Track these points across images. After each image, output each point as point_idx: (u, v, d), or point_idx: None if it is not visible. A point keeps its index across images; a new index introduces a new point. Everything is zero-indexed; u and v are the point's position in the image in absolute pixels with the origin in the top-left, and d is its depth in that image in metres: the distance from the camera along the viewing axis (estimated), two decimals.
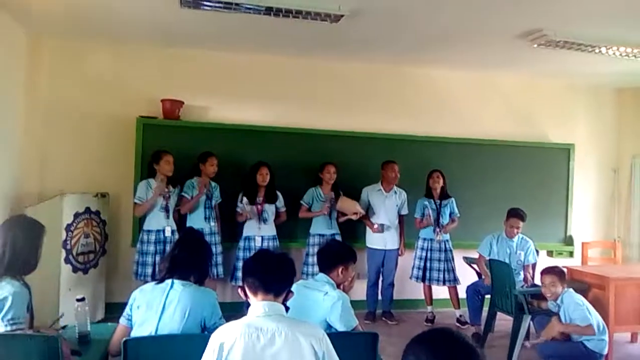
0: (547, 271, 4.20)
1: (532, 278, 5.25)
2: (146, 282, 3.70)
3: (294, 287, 2.22)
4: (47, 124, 5.40)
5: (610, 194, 7.06)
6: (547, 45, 4.90)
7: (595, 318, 4.01)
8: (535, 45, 4.94)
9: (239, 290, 2.15)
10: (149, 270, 4.85)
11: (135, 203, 5.00)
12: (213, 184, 5.27)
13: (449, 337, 1.39)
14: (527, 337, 4.60)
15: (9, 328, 2.36)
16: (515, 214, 5.15)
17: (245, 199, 5.21)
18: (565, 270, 4.33)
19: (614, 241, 6.79)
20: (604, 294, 4.47)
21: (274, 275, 2.07)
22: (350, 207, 5.49)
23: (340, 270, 2.89)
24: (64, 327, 2.73)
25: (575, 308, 3.99)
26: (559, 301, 4.08)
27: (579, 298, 4.09)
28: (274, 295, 2.05)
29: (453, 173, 5.87)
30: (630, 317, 4.52)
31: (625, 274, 4.87)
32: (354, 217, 5.50)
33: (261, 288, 2.04)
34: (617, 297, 4.45)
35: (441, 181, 5.66)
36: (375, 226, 5.59)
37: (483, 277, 5.26)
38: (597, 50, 5.04)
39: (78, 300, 2.68)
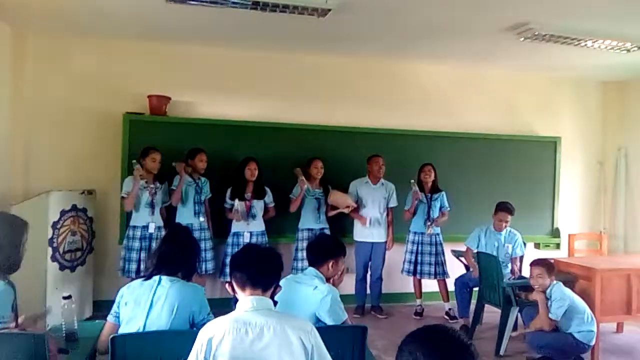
0: (536, 263, 4.25)
1: (520, 270, 5.31)
2: (131, 278, 3.67)
3: (283, 282, 2.22)
4: (33, 121, 5.34)
5: (596, 187, 7.13)
6: (534, 38, 4.92)
7: (584, 309, 4.06)
8: (522, 39, 4.97)
9: (227, 285, 2.15)
10: (134, 267, 4.83)
11: (122, 197, 4.96)
12: (203, 179, 5.24)
13: (443, 335, 1.40)
14: (515, 328, 4.64)
15: None
16: (504, 208, 5.18)
17: (238, 202, 5.17)
18: (553, 262, 4.37)
19: (599, 233, 6.85)
20: (590, 285, 4.51)
21: (261, 270, 2.07)
22: (342, 201, 5.50)
23: (330, 264, 2.89)
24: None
25: (558, 302, 4.03)
26: (547, 293, 4.12)
27: (567, 292, 4.12)
28: (262, 289, 2.04)
29: (441, 167, 5.87)
30: (616, 307, 4.57)
31: (611, 265, 4.92)
32: (346, 211, 5.52)
33: (249, 283, 2.03)
34: (603, 288, 4.50)
35: (432, 174, 5.67)
36: (367, 220, 5.59)
37: (471, 269, 5.29)
38: (582, 44, 5.08)
39: (65, 298, 2.66)
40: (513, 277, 5.04)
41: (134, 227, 4.94)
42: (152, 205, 4.95)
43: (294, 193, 5.50)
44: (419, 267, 5.64)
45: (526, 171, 6.59)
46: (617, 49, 5.21)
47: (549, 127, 6.83)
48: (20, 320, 2.54)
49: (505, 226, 5.19)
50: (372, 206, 5.65)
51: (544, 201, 6.67)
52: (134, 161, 4.88)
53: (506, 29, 4.83)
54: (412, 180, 5.58)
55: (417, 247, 5.65)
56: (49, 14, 4.72)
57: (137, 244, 4.89)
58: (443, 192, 5.74)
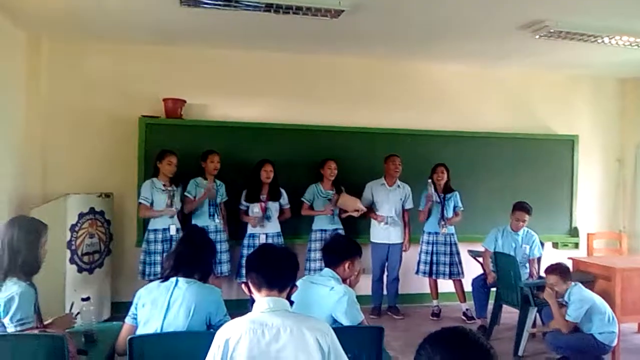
0: (549, 271, 4.16)
1: (538, 272, 5.24)
2: (150, 281, 3.70)
3: (299, 282, 2.21)
4: (49, 125, 5.41)
5: (615, 185, 7.03)
6: (549, 36, 4.87)
7: (605, 309, 3.99)
8: (537, 37, 4.92)
9: (243, 286, 2.15)
10: (158, 269, 4.81)
11: (139, 203, 4.99)
12: (218, 182, 5.27)
13: (463, 338, 1.38)
14: (533, 327, 4.60)
15: (18, 328, 2.37)
16: (521, 207, 5.13)
17: (255, 209, 5.19)
18: (567, 266, 4.25)
19: (619, 232, 6.77)
20: (610, 285, 4.45)
21: (277, 270, 2.06)
22: (350, 204, 5.47)
23: (346, 265, 2.89)
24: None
25: (576, 304, 3.96)
26: (566, 297, 4.05)
27: (586, 294, 4.05)
28: (278, 290, 2.04)
29: (456, 166, 5.85)
30: (637, 307, 4.50)
31: (631, 264, 4.85)
32: (355, 214, 5.49)
33: (265, 284, 2.03)
34: (624, 288, 4.44)
35: (445, 175, 5.64)
36: (382, 217, 5.58)
37: (487, 275, 5.23)
38: (599, 41, 5.01)
39: (83, 299, 2.70)
40: (532, 279, 4.98)
41: (155, 230, 4.94)
42: (170, 207, 4.98)
43: (306, 197, 5.51)
44: (434, 268, 5.61)
45: (544, 170, 6.52)
46: (635, 45, 5.12)
47: (566, 125, 6.75)
48: (50, 321, 2.58)
49: (522, 226, 5.13)
50: (388, 208, 5.63)
51: (562, 200, 6.60)
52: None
53: (521, 27, 4.79)
54: (430, 181, 5.55)
55: (432, 247, 5.62)
56: (63, 19, 4.78)
57: (159, 247, 4.89)
58: (456, 192, 5.70)
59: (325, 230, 5.44)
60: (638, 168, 6.88)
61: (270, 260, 2.10)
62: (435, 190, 5.63)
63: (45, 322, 2.63)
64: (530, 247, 5.14)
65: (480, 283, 5.27)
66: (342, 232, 5.45)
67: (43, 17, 4.75)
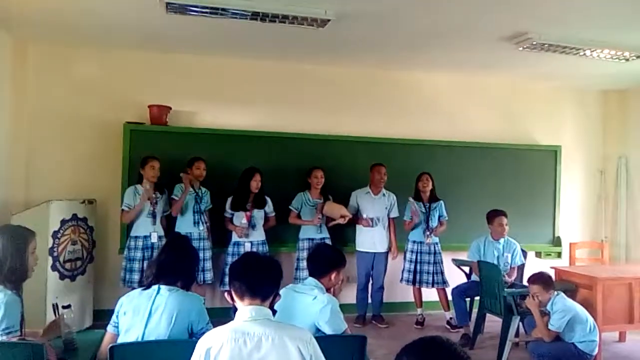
0: (532, 280, 4.17)
1: (520, 279, 5.28)
2: (133, 288, 3.67)
3: (282, 291, 2.21)
4: (34, 131, 5.36)
5: (597, 195, 7.13)
6: (532, 48, 4.94)
7: (586, 319, 4.03)
8: (521, 49, 4.98)
9: (226, 294, 2.14)
10: (136, 277, 4.82)
11: (122, 210, 4.97)
12: (203, 189, 5.26)
13: (439, 348, 1.39)
14: (516, 337, 4.62)
15: (4, 337, 2.33)
16: (499, 213, 5.20)
17: (244, 219, 5.18)
18: (550, 275, 4.26)
19: (601, 242, 6.84)
20: (592, 294, 4.50)
21: (260, 279, 2.06)
22: (336, 211, 5.48)
23: (333, 275, 2.89)
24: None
25: (559, 314, 3.99)
26: (548, 306, 4.08)
27: (569, 303, 4.07)
28: (260, 299, 2.04)
29: (441, 175, 5.89)
30: (618, 316, 4.56)
31: (613, 274, 4.91)
32: (342, 221, 5.49)
33: (248, 292, 2.03)
34: (605, 297, 4.49)
35: (430, 184, 5.67)
36: (365, 218, 5.58)
37: (474, 278, 5.27)
38: (581, 53, 5.10)
39: (64, 307, 2.65)
40: (507, 284, 5.01)
41: (136, 237, 4.94)
42: (153, 214, 4.96)
43: (294, 205, 5.51)
44: (418, 276, 5.63)
45: (527, 180, 6.59)
46: (617, 58, 5.22)
47: (549, 136, 6.84)
48: (42, 331, 2.54)
49: (506, 230, 5.16)
50: (373, 216, 5.64)
51: (545, 210, 6.67)
52: (144, 182, 4.96)
53: (505, 39, 4.85)
54: (411, 199, 5.59)
55: (416, 256, 5.64)
56: (50, 23, 4.75)
57: (139, 254, 4.89)
58: (441, 202, 5.73)
59: (313, 239, 5.43)
60: (620, 179, 6.98)
61: (253, 269, 2.09)
62: (421, 199, 5.66)
63: (33, 330, 2.59)
64: (511, 256, 5.18)
65: (459, 291, 5.29)
66: (329, 241, 5.45)
67: (29, 22, 4.72)
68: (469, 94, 6.57)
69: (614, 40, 4.82)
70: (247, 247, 5.19)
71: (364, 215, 5.61)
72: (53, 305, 2.72)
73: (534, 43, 4.78)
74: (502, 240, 5.20)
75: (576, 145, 6.99)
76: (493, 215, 5.21)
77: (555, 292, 4.12)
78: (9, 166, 5.08)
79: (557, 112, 6.97)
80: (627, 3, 3.98)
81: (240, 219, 5.20)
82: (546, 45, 4.86)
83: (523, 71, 6.13)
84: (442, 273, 5.63)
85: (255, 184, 5.23)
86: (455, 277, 5.65)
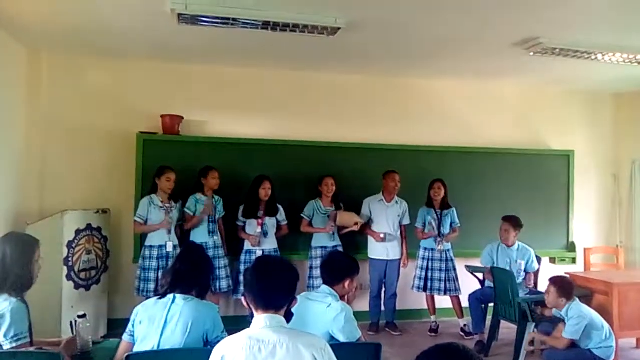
0: (552, 281, 4.17)
1: (535, 286, 5.24)
2: (148, 297, 3.69)
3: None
4: (48, 141, 5.42)
5: (611, 200, 7.06)
6: (544, 53, 4.92)
7: (602, 325, 3.98)
8: (532, 54, 4.97)
9: (243, 299, 2.12)
10: (152, 286, 4.83)
11: (135, 221, 5.00)
12: (216, 197, 5.28)
13: (457, 353, 1.38)
14: (531, 344, 4.58)
15: (14, 345, 2.35)
16: (506, 218, 5.20)
17: (258, 229, 5.20)
18: (570, 282, 4.23)
19: (616, 247, 6.77)
20: (608, 300, 4.46)
21: (272, 292, 2.02)
22: (349, 220, 5.49)
23: (347, 283, 2.89)
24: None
25: (574, 320, 3.95)
26: (563, 312, 4.04)
27: (585, 310, 4.04)
28: (274, 310, 2.02)
29: (453, 182, 5.87)
30: (635, 322, 4.51)
31: (629, 279, 4.87)
32: (355, 228, 5.50)
33: (260, 304, 2.01)
34: (621, 303, 4.44)
35: (442, 191, 5.65)
36: (381, 235, 5.58)
37: (488, 284, 5.24)
38: (593, 57, 5.06)
39: (79, 317, 2.67)
40: (527, 290, 4.98)
41: (150, 246, 4.96)
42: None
43: (305, 213, 5.51)
44: (429, 283, 5.60)
45: (540, 185, 6.55)
46: (629, 61, 5.18)
47: (562, 141, 6.79)
48: (61, 346, 2.55)
49: (510, 237, 5.15)
50: (385, 224, 5.64)
51: (559, 215, 6.61)
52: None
53: (516, 44, 4.84)
54: (427, 218, 5.61)
55: (428, 263, 5.62)
56: (63, 34, 4.82)
57: (154, 264, 4.91)
58: (453, 209, 5.71)
59: (325, 247, 5.43)
60: (634, 183, 6.91)
61: (264, 281, 2.04)
62: (433, 206, 5.65)
63: (50, 340, 2.61)
64: (526, 263, 5.14)
65: (476, 298, 5.26)
66: (341, 248, 5.44)
67: (43, 33, 4.79)
68: (481, 100, 6.55)
69: (626, 43, 4.79)
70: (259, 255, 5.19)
71: (381, 235, 5.59)
72: (71, 322, 2.74)
73: (545, 48, 4.76)
74: (515, 247, 5.17)
75: (589, 149, 6.93)
76: (503, 219, 5.22)
77: (573, 299, 4.08)
78: (23, 176, 5.14)
79: (569, 117, 6.92)
80: (638, 6, 3.96)
81: (254, 227, 5.21)
82: (557, 50, 4.83)
83: (534, 76, 6.11)
84: (455, 280, 5.59)
85: (264, 192, 5.24)
86: (469, 284, 5.62)
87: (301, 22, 4.21)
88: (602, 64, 5.30)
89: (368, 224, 5.66)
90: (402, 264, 5.73)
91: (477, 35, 4.66)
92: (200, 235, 5.09)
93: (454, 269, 5.62)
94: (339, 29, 4.33)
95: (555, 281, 4.16)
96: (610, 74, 5.89)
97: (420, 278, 5.64)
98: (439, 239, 5.57)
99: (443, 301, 5.78)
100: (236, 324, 2.85)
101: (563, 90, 6.81)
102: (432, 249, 5.60)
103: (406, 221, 5.76)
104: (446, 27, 4.46)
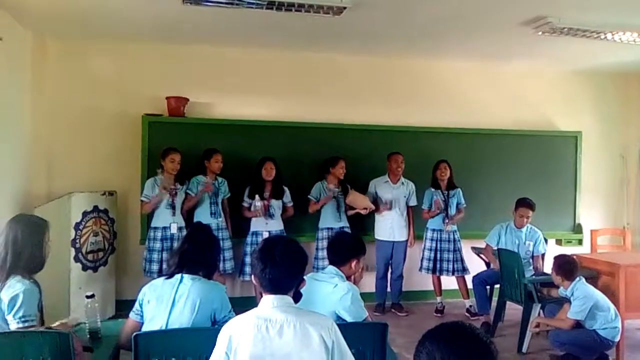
0: (556, 260, 4.20)
1: (542, 268, 5.24)
2: (154, 278, 3.72)
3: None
4: (54, 124, 5.42)
5: (619, 181, 7.01)
6: (552, 32, 4.85)
7: (608, 306, 4.00)
8: (540, 33, 4.90)
9: (252, 277, 2.11)
10: (155, 267, 4.89)
11: (141, 201, 5.03)
12: (220, 179, 5.28)
13: (462, 333, 1.37)
14: (537, 325, 4.59)
15: (21, 325, 2.38)
16: (525, 204, 5.12)
17: (257, 197, 5.19)
18: (569, 261, 4.24)
19: (623, 228, 6.75)
20: (614, 281, 4.44)
21: (280, 276, 2.00)
22: (360, 202, 5.50)
23: (353, 263, 2.90)
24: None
25: (580, 300, 3.97)
26: (568, 292, 4.06)
27: (590, 291, 4.05)
28: (282, 292, 2.01)
29: (459, 163, 5.85)
30: None
31: (635, 260, 4.85)
32: (363, 212, 5.50)
33: (269, 288, 2.01)
34: (628, 284, 4.43)
35: (448, 172, 5.64)
36: (386, 204, 5.57)
37: (492, 266, 5.25)
38: (602, 37, 4.99)
39: (88, 297, 2.70)
40: (536, 275, 4.98)
41: (155, 228, 5.00)
42: (172, 206, 5.00)
43: (313, 194, 5.51)
44: (437, 265, 5.61)
45: (547, 166, 6.51)
46: (638, 40, 5.11)
47: (569, 121, 6.73)
48: (56, 325, 2.58)
49: (527, 222, 5.13)
50: (389, 197, 5.63)
51: (566, 196, 6.59)
52: (158, 170, 4.98)
53: (524, 24, 4.78)
54: (433, 190, 5.63)
55: (436, 244, 5.62)
56: (68, 18, 4.79)
57: (158, 245, 4.94)
58: (459, 189, 5.71)
59: (332, 229, 5.43)
60: None
61: (272, 267, 2.00)
62: (439, 187, 5.63)
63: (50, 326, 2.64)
64: (534, 244, 5.13)
65: (480, 280, 5.27)
66: (348, 229, 5.44)
67: (47, 17, 4.76)
68: (488, 80, 6.49)
69: (636, 22, 4.71)
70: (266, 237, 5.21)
71: (386, 204, 5.59)
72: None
73: (554, 27, 4.69)
74: (524, 229, 5.15)
75: (597, 130, 6.86)
76: (520, 204, 5.15)
77: (577, 278, 4.09)
78: (30, 160, 5.15)
79: (577, 97, 6.85)
80: None
81: (256, 203, 5.21)
82: (566, 29, 4.77)
83: (542, 56, 6.03)
84: (462, 260, 5.61)
85: (266, 172, 5.25)
86: (475, 265, 5.63)
87: (306, 1, 4.17)
88: (611, 44, 5.23)
89: (375, 203, 5.64)
90: (408, 244, 5.73)
91: (484, 14, 4.60)
92: (202, 217, 5.07)
93: (461, 250, 5.63)
94: (344, 8, 4.29)
95: (558, 261, 4.19)
96: (619, 54, 5.81)
97: (429, 259, 5.64)
98: (446, 220, 5.57)
99: (448, 282, 5.80)
100: (242, 304, 2.88)
101: (571, 71, 6.74)
102: (440, 230, 5.60)
103: (413, 202, 5.75)
104: (452, 6, 4.40)
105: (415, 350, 1.39)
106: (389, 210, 5.60)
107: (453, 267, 5.57)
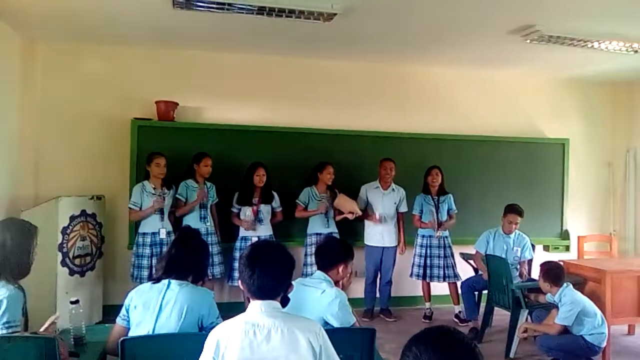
0: (543, 267, 4.23)
1: (529, 274, 5.27)
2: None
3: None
4: (42, 127, 5.39)
5: (606, 188, 7.08)
6: (540, 40, 4.90)
7: (595, 312, 4.02)
8: (528, 41, 4.95)
9: (240, 283, 2.11)
10: (145, 273, 4.85)
11: (130, 208, 4.98)
12: (208, 184, 5.27)
13: (448, 337, 1.39)
14: (525, 330, 4.62)
15: (4, 331, 2.35)
16: (513, 210, 5.15)
17: (248, 212, 5.19)
18: (555, 267, 4.27)
19: (609, 235, 6.82)
20: (600, 287, 4.49)
21: (266, 283, 2.00)
22: (347, 206, 5.48)
23: (340, 268, 2.89)
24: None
25: (567, 306, 3.99)
26: (556, 298, 4.09)
27: (577, 297, 4.08)
28: (270, 298, 2.01)
29: (449, 169, 5.87)
30: (627, 309, 4.55)
31: (621, 266, 4.90)
32: (349, 217, 5.49)
33: (257, 293, 2.00)
34: (614, 290, 4.47)
35: (440, 178, 5.66)
36: (377, 216, 5.58)
37: (481, 272, 5.28)
38: (589, 45, 5.05)
39: (72, 302, 2.67)
40: (521, 280, 5.01)
41: (144, 233, 4.95)
42: (161, 211, 4.97)
43: (301, 199, 5.50)
44: (428, 271, 5.61)
45: (535, 173, 6.56)
46: (625, 50, 5.18)
47: (557, 129, 6.80)
48: (42, 329, 2.55)
49: (515, 228, 5.16)
50: (382, 211, 5.64)
51: (553, 203, 6.64)
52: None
53: (512, 31, 4.82)
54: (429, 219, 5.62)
55: (426, 250, 5.63)
56: (57, 20, 4.77)
57: (147, 251, 4.91)
58: (450, 195, 5.73)
59: (320, 234, 5.42)
60: (628, 171, 6.94)
61: (260, 273, 2.00)
62: (430, 193, 5.65)
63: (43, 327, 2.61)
64: (521, 250, 5.16)
65: (468, 286, 5.29)
66: (337, 235, 5.44)
67: (37, 20, 4.73)
68: (477, 88, 6.54)
69: (623, 31, 4.78)
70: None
71: (376, 214, 5.60)
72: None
73: (542, 35, 4.75)
74: (512, 235, 5.18)
75: (584, 138, 6.94)
76: (508, 210, 5.18)
77: (565, 284, 4.12)
78: (18, 163, 5.11)
79: (565, 105, 6.92)
80: None
81: (246, 212, 5.20)
82: (554, 38, 4.82)
83: (531, 64, 6.09)
84: (453, 267, 5.62)
85: (258, 178, 5.24)
86: (464, 271, 5.65)
87: (297, 7, 4.18)
88: (599, 52, 5.30)
89: (365, 210, 5.66)
90: (399, 251, 5.74)
91: (474, 22, 4.64)
92: (191, 221, 5.05)
93: (452, 256, 5.64)
94: (335, 14, 4.30)
95: (545, 268, 4.22)
96: (607, 62, 5.87)
97: (419, 266, 5.65)
98: (437, 227, 5.58)
99: (437, 288, 5.82)
100: (230, 310, 2.87)
101: (559, 78, 6.80)
102: (430, 236, 5.61)
103: (403, 208, 5.76)
104: (442, 14, 4.44)
105: (401, 354, 1.40)
106: (380, 223, 5.60)
107: (444, 273, 5.57)
